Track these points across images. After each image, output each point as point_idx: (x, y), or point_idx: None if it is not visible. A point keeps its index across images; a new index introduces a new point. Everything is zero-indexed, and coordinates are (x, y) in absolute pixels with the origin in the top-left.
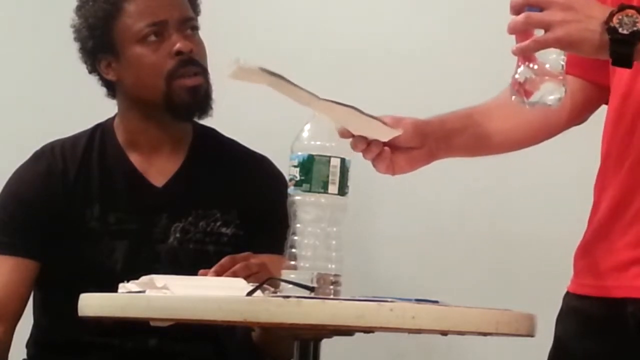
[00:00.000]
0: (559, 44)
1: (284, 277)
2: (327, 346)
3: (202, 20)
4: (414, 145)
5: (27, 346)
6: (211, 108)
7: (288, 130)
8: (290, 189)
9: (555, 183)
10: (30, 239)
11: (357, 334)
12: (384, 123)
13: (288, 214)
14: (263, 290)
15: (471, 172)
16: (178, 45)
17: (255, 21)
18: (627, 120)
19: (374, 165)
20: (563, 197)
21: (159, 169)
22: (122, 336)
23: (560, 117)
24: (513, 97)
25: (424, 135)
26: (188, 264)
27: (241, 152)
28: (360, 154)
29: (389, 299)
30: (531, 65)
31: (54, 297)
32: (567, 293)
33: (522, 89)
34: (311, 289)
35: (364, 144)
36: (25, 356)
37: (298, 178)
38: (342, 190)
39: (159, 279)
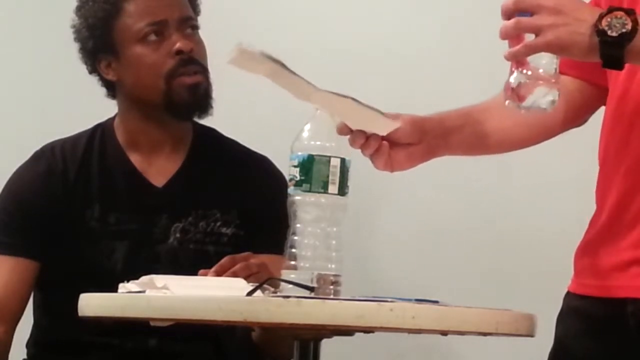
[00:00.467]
0: (549, 47)
1: (284, 277)
2: (327, 346)
3: (202, 20)
4: (412, 141)
5: (27, 346)
6: (211, 107)
7: (288, 130)
8: (290, 189)
9: (555, 183)
10: (30, 239)
11: (357, 334)
12: (382, 114)
13: (288, 214)
14: (263, 290)
15: (471, 172)
16: (178, 45)
17: (255, 21)
18: (624, 121)
19: (372, 161)
20: (563, 197)
21: (159, 169)
22: (122, 336)
23: (558, 118)
24: (507, 102)
25: (422, 131)
26: (188, 264)
27: (241, 152)
28: (360, 155)
29: (389, 299)
30: (524, 70)
31: (54, 297)
32: (568, 293)
33: (515, 93)
34: (311, 289)
35: (363, 139)
36: (25, 356)
37: (298, 178)
38: (342, 190)
39: (159, 279)
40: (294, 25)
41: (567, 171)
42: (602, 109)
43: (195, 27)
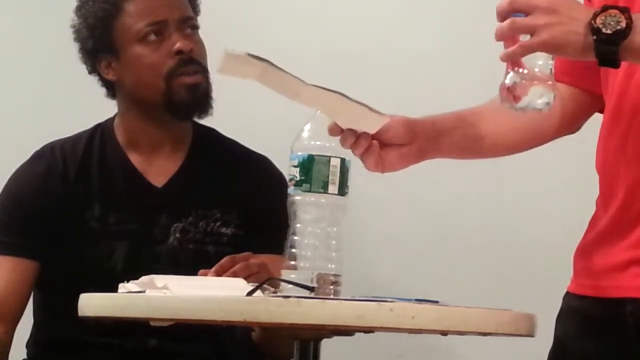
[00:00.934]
0: (545, 47)
1: (284, 277)
2: (327, 346)
3: (202, 20)
4: (403, 142)
5: (27, 346)
6: (211, 107)
7: (288, 130)
8: (290, 189)
9: (554, 183)
10: (30, 239)
11: (357, 334)
12: (372, 109)
13: (288, 214)
14: (263, 290)
15: (471, 172)
16: (178, 45)
17: (255, 21)
18: (622, 123)
19: (363, 161)
20: (562, 197)
21: (159, 169)
22: (122, 336)
23: (551, 124)
24: (502, 102)
25: (413, 132)
26: (188, 264)
27: (241, 152)
28: None
29: (389, 299)
30: (520, 70)
31: (54, 297)
32: (567, 293)
33: (511, 94)
34: (311, 289)
35: (353, 138)
36: (25, 356)
37: (298, 178)
38: (342, 190)
39: (159, 279)
40: (294, 25)
41: (567, 172)
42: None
43: (195, 27)
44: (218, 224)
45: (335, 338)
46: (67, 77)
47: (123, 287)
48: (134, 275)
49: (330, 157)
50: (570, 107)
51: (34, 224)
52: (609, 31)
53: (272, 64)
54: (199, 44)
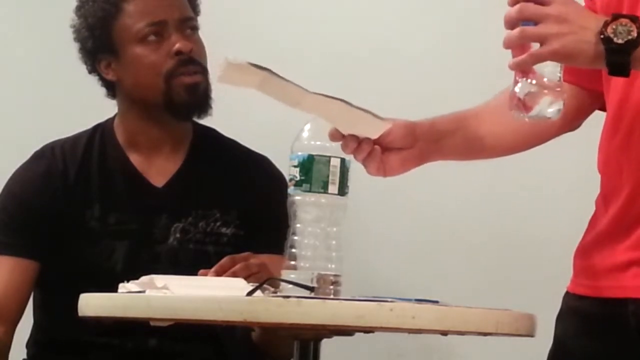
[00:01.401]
0: (555, 56)
1: (284, 277)
2: (327, 346)
3: (202, 20)
4: (404, 146)
5: (27, 346)
6: (210, 107)
7: (288, 130)
8: (290, 189)
9: (554, 183)
10: (30, 239)
11: (357, 334)
12: (374, 115)
13: (288, 214)
14: (263, 290)
15: (471, 172)
16: (178, 45)
17: (255, 21)
18: (624, 126)
19: (365, 167)
20: (562, 197)
21: (159, 169)
22: (122, 336)
23: (552, 123)
24: (512, 112)
25: (414, 136)
26: (188, 264)
27: (241, 152)
28: None
29: (389, 299)
30: (529, 80)
31: (54, 297)
32: (567, 293)
33: (521, 103)
34: (311, 289)
35: (355, 143)
36: (25, 356)
37: (298, 178)
38: (342, 190)
39: (159, 279)
40: (294, 26)
41: (566, 172)
42: (598, 112)
43: (195, 28)
44: (218, 224)
45: (335, 338)
46: (67, 77)
47: (123, 287)
48: (134, 275)
49: (330, 157)
50: (571, 105)
51: (34, 224)
52: (620, 41)
53: (273, 72)
54: (199, 44)
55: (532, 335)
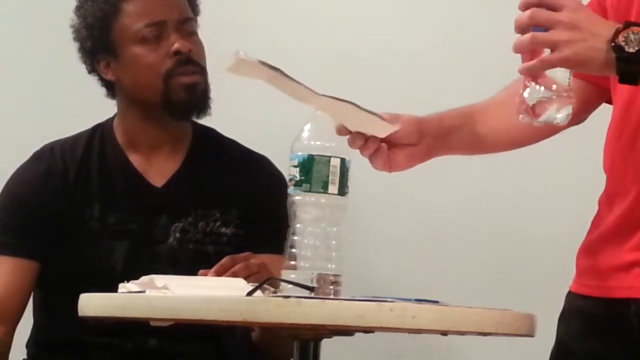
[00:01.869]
0: (566, 63)
1: (284, 277)
2: (327, 346)
3: (202, 20)
4: (411, 142)
5: (27, 346)
6: (209, 107)
7: (288, 130)
8: (290, 189)
9: (555, 183)
10: (30, 240)
11: (357, 334)
12: (382, 118)
13: (288, 214)
14: (263, 290)
15: (471, 172)
16: (176, 45)
17: (255, 21)
18: (630, 128)
19: (371, 162)
20: (563, 197)
21: (158, 169)
22: (122, 336)
23: None
24: (520, 117)
25: (421, 132)
26: (188, 264)
27: (241, 152)
28: (359, 154)
29: (389, 299)
30: (538, 86)
31: (54, 297)
32: (570, 293)
33: (530, 109)
34: (311, 289)
35: (362, 140)
36: (25, 356)
37: (298, 178)
38: (342, 190)
39: (159, 279)
40: (294, 26)
41: (568, 171)
42: (602, 108)
43: (194, 28)
44: (218, 224)
45: (335, 338)
46: (67, 77)
47: (123, 287)
48: (134, 275)
49: (330, 157)
50: (577, 99)
51: (34, 224)
52: (631, 50)
53: (283, 73)
54: (198, 44)
55: (532, 335)
